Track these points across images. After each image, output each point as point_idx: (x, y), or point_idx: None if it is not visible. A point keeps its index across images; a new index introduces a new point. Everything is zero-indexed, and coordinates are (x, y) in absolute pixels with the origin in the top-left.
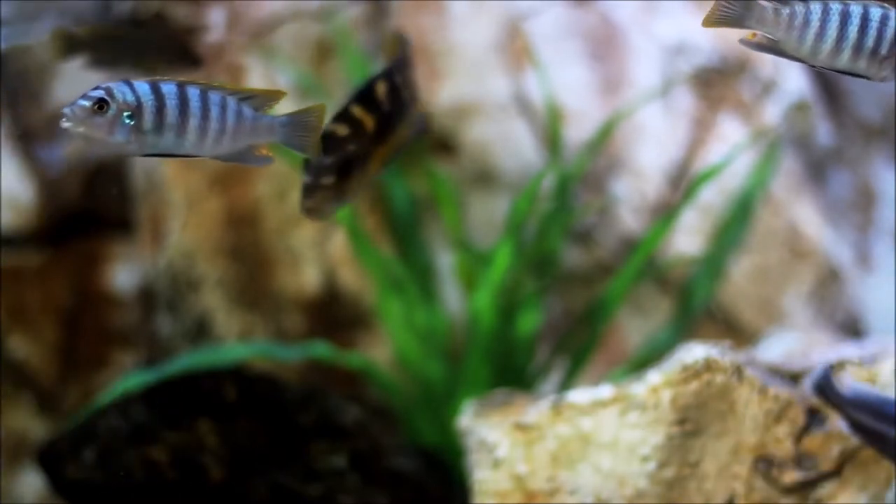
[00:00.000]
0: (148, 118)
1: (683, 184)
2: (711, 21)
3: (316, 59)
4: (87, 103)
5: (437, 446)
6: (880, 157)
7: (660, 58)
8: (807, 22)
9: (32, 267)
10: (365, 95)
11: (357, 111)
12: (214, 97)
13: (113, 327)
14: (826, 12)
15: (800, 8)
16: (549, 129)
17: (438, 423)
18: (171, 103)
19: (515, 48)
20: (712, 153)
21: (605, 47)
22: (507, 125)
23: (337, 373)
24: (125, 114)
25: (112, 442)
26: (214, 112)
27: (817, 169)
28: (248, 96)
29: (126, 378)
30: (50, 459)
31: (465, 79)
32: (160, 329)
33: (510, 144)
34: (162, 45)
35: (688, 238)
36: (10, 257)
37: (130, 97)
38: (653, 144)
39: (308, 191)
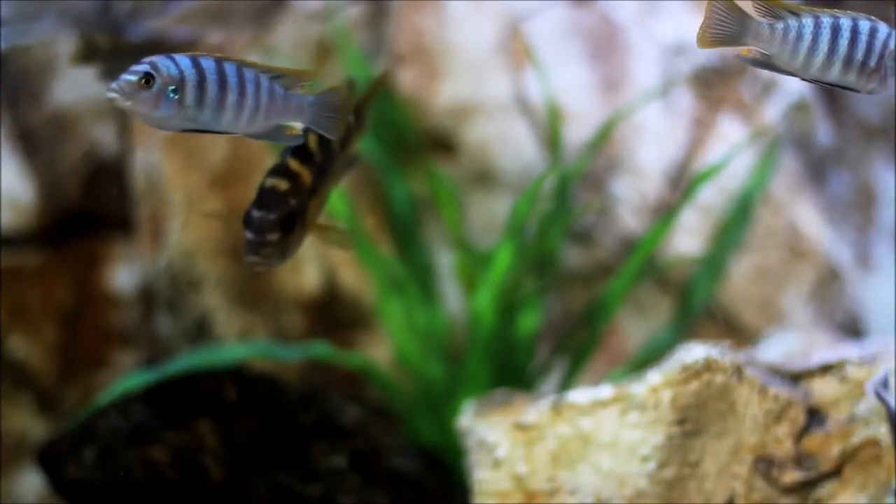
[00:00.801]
0: (190, 93)
1: (683, 184)
2: (706, 41)
3: (316, 59)
4: (133, 78)
5: (437, 446)
6: (880, 157)
7: (660, 58)
8: (800, 36)
9: (32, 267)
10: (299, 148)
11: (294, 165)
12: (249, 74)
13: (113, 327)
14: (818, 26)
15: (793, 22)
16: (549, 129)
17: (438, 423)
18: (212, 78)
19: (515, 48)
20: (712, 153)
21: (605, 47)
22: (507, 125)
23: (337, 373)
24: (170, 88)
25: (112, 442)
26: (250, 89)
27: (817, 169)
28: (278, 75)
29: (126, 378)
30: (50, 459)
31: (465, 79)
32: (160, 329)
33: (510, 144)
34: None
35: (688, 238)
36: (10, 257)
37: (174, 71)
38: (653, 144)
39: (254, 246)
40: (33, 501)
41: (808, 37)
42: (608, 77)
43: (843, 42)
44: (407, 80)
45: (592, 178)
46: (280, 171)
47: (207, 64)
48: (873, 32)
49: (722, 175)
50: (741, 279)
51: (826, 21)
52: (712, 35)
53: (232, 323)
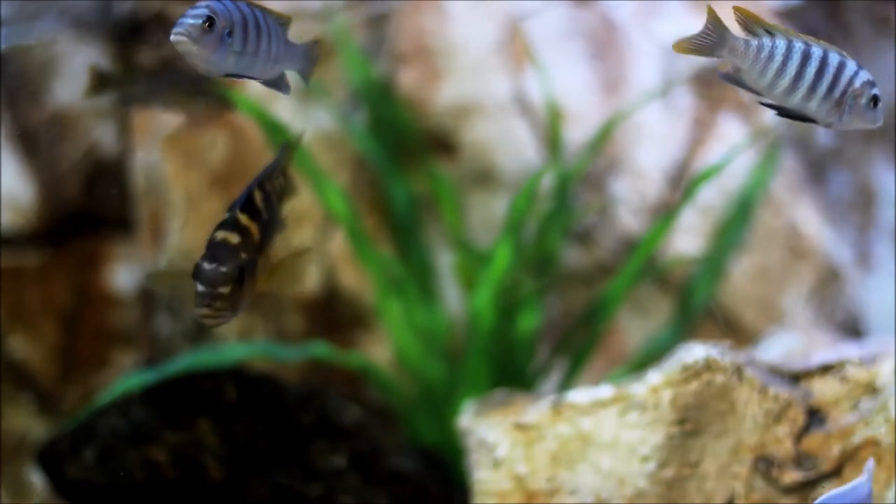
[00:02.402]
0: (238, 37)
1: (683, 184)
2: (684, 48)
3: None
4: (197, 21)
5: (437, 446)
6: (880, 157)
7: (660, 58)
8: (771, 56)
9: (32, 267)
10: (246, 204)
11: (244, 219)
12: (270, 20)
13: (113, 327)
14: (789, 49)
15: (767, 42)
16: (549, 129)
17: (438, 423)
18: (251, 22)
19: (515, 48)
20: (712, 153)
21: (605, 47)
22: (507, 125)
23: (337, 373)
24: (226, 31)
25: (112, 442)
26: (273, 35)
27: (817, 169)
28: (282, 22)
29: (126, 378)
30: (50, 459)
31: (465, 79)
32: (160, 329)
33: (510, 144)
34: (193, 81)
35: (688, 238)
36: (10, 257)
37: (227, 14)
38: (653, 144)
39: (206, 299)
40: (33, 501)
41: (778, 58)
42: (608, 77)
43: (811, 70)
44: (407, 80)
45: (592, 178)
46: (230, 224)
47: (245, 9)
48: (841, 67)
49: (722, 175)
50: (741, 279)
51: (798, 46)
52: (692, 43)
53: (232, 323)
